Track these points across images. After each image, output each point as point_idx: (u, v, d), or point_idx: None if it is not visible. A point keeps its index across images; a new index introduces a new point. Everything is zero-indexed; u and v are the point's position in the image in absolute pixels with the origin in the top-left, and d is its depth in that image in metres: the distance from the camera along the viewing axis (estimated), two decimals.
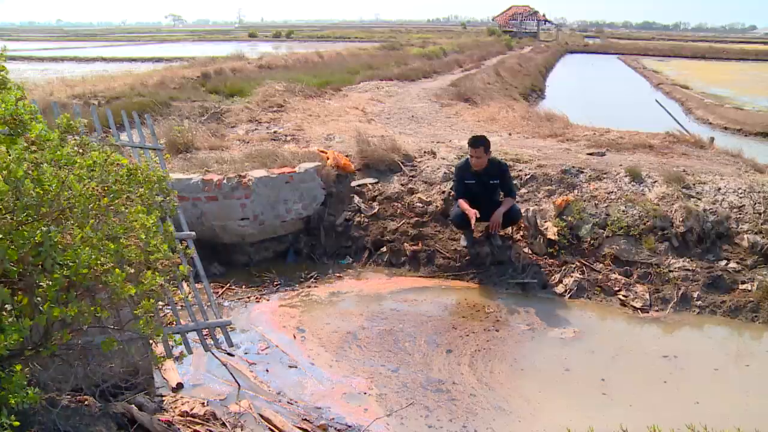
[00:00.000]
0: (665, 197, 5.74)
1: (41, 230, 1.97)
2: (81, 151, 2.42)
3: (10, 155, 2.00)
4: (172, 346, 3.49)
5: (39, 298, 1.98)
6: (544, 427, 3.41)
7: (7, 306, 2.00)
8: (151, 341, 3.08)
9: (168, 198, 2.92)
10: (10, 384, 1.88)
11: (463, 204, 5.35)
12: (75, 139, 2.54)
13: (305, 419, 3.41)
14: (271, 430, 3.26)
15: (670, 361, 4.13)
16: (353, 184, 6.39)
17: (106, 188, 2.33)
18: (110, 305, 2.37)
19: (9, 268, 1.93)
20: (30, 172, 1.99)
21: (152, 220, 2.42)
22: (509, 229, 5.74)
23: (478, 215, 5.24)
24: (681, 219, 5.47)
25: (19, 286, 2.05)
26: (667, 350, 4.28)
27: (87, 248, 2.03)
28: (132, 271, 2.25)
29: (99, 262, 2.06)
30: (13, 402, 1.87)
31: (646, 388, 3.82)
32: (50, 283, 1.97)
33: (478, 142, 5.35)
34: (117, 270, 2.09)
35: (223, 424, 3.19)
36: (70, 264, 1.99)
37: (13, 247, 1.91)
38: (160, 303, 4.30)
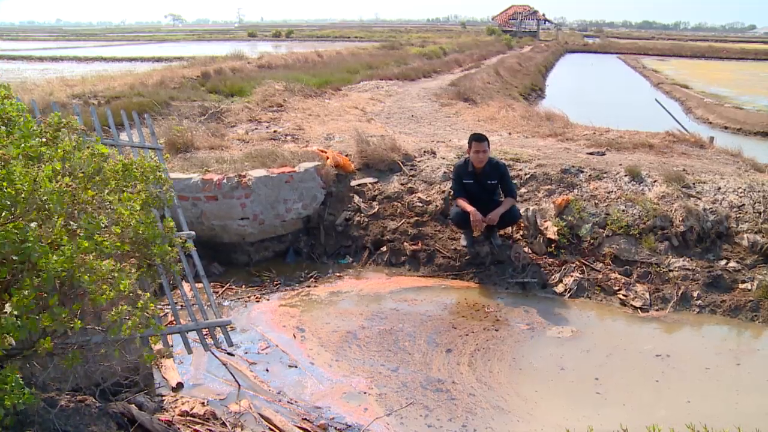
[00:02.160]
0: (665, 196, 5.74)
1: (20, 229, 1.94)
2: (46, 140, 2.38)
3: None
4: (171, 346, 3.49)
5: (17, 310, 1.95)
6: (542, 427, 3.41)
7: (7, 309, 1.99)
8: (144, 340, 3.07)
9: (165, 188, 2.90)
10: (6, 384, 1.87)
11: (463, 203, 5.37)
12: (44, 131, 2.50)
13: (305, 419, 3.41)
14: (271, 429, 3.26)
15: (663, 360, 4.14)
16: (353, 183, 6.39)
17: (85, 179, 2.30)
18: (97, 309, 2.35)
19: None
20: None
21: (138, 206, 2.40)
22: (509, 228, 5.74)
23: (477, 216, 5.29)
24: (681, 218, 5.47)
25: (15, 286, 2.03)
26: (660, 349, 4.28)
27: (66, 248, 2.00)
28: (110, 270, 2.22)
29: (74, 263, 2.03)
30: (8, 403, 1.86)
31: (639, 387, 3.83)
32: (26, 293, 1.95)
33: (483, 137, 5.41)
34: (86, 276, 2.06)
35: (223, 424, 3.20)
36: (44, 272, 1.96)
37: None
38: (160, 303, 4.31)
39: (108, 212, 2.33)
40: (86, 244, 2.08)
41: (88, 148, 2.46)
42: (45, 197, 2.02)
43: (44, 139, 2.35)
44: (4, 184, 1.94)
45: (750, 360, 4.26)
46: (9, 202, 1.95)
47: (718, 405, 3.65)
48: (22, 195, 1.97)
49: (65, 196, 2.08)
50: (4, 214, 1.95)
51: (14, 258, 1.94)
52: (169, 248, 2.55)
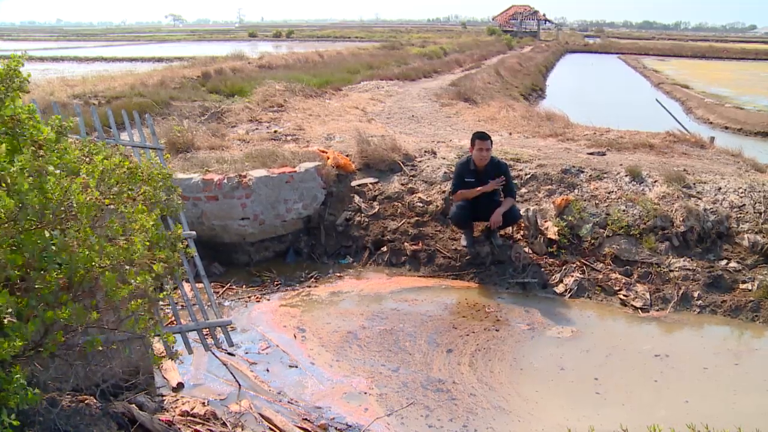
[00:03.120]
0: (666, 197, 5.74)
1: (44, 236, 1.96)
2: (87, 159, 2.40)
3: (13, 165, 1.99)
4: (172, 345, 3.49)
5: (34, 301, 1.97)
6: (542, 427, 3.41)
7: (10, 309, 2.00)
8: (151, 340, 3.07)
9: (172, 196, 2.91)
10: (10, 385, 1.88)
11: (464, 191, 5.38)
12: (83, 143, 2.53)
13: (305, 419, 3.41)
14: (271, 429, 3.26)
15: (662, 360, 4.14)
16: (353, 183, 6.39)
17: (108, 190, 2.32)
18: (106, 306, 2.36)
19: (11, 273, 1.93)
20: (33, 179, 1.98)
21: (152, 220, 2.41)
22: (509, 228, 5.74)
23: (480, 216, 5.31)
24: (681, 218, 5.47)
25: (20, 286, 2.04)
26: (659, 349, 4.29)
27: (84, 249, 2.02)
28: (128, 269, 2.24)
29: (94, 263, 2.05)
30: (12, 403, 1.87)
31: (638, 387, 3.83)
32: (45, 285, 1.96)
33: (486, 135, 5.44)
34: (107, 273, 2.08)
35: (224, 424, 3.20)
36: (64, 266, 1.98)
37: (17, 253, 1.90)
38: (161, 303, 4.31)
39: (125, 221, 2.35)
40: (109, 248, 2.09)
41: (115, 158, 2.48)
42: (74, 209, 2.03)
43: (87, 159, 2.38)
44: (34, 192, 1.96)
45: (749, 360, 4.26)
46: (38, 211, 1.96)
47: (716, 405, 3.65)
48: (52, 203, 1.99)
49: (93, 209, 2.11)
50: (31, 221, 1.97)
51: (34, 263, 1.96)
52: (173, 253, 2.56)
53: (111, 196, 2.35)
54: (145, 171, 2.62)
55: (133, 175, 2.51)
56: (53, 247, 1.95)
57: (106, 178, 2.32)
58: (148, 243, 2.37)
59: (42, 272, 1.98)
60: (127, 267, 2.26)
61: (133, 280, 2.25)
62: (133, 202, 2.48)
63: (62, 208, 2.03)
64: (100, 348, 2.35)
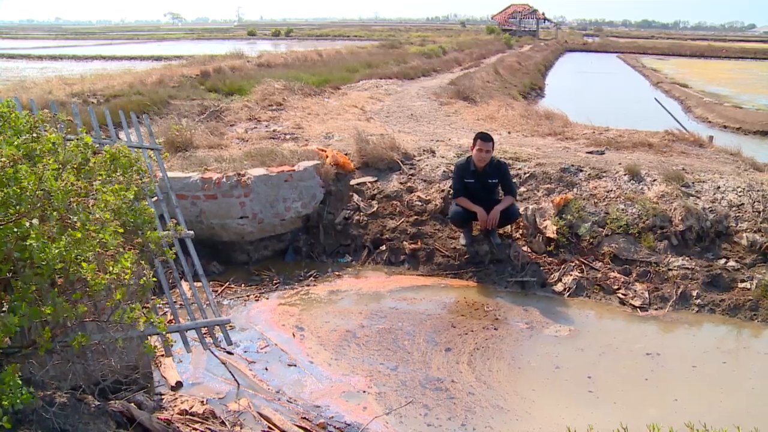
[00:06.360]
0: (664, 196, 5.74)
1: (24, 226, 1.94)
2: (35, 135, 2.37)
3: None
4: (173, 343, 3.49)
5: (16, 303, 1.96)
6: (540, 426, 3.41)
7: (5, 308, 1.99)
8: (148, 336, 3.07)
9: (144, 179, 2.90)
10: (3, 384, 1.86)
11: (467, 202, 5.38)
12: (33, 126, 2.50)
13: (304, 417, 3.41)
14: (270, 428, 3.26)
15: (653, 359, 4.15)
16: (352, 182, 6.39)
17: (75, 166, 2.30)
18: (98, 299, 2.35)
19: None
20: (6, 169, 1.96)
21: (130, 194, 2.39)
22: (508, 227, 5.74)
23: (484, 215, 5.31)
24: (680, 217, 5.47)
25: (16, 285, 2.03)
26: (651, 348, 4.30)
27: (60, 242, 2.00)
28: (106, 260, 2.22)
29: (72, 255, 2.03)
30: (6, 403, 1.86)
31: (629, 385, 3.84)
32: (25, 285, 1.95)
33: (489, 137, 5.42)
34: (84, 263, 2.07)
35: (222, 423, 3.20)
36: (42, 264, 1.96)
37: None
38: (160, 303, 4.31)
39: (99, 202, 2.33)
40: (79, 235, 2.07)
41: (76, 139, 2.47)
42: (50, 195, 2.02)
43: (34, 135, 2.35)
44: (8, 182, 1.94)
45: (742, 359, 4.27)
46: (14, 201, 1.95)
47: (703, 403, 3.66)
48: (27, 193, 1.97)
49: (70, 194, 2.09)
50: (9, 212, 1.96)
51: (16, 255, 1.94)
52: (162, 233, 2.55)
53: (84, 175, 2.33)
54: (126, 156, 2.60)
55: (116, 161, 2.49)
56: (34, 237, 1.93)
57: (59, 149, 2.28)
58: (121, 229, 2.35)
59: (27, 262, 1.97)
60: (102, 256, 2.23)
61: (111, 268, 2.22)
62: (109, 184, 2.47)
63: (37, 197, 2.01)
64: (86, 344, 2.33)
